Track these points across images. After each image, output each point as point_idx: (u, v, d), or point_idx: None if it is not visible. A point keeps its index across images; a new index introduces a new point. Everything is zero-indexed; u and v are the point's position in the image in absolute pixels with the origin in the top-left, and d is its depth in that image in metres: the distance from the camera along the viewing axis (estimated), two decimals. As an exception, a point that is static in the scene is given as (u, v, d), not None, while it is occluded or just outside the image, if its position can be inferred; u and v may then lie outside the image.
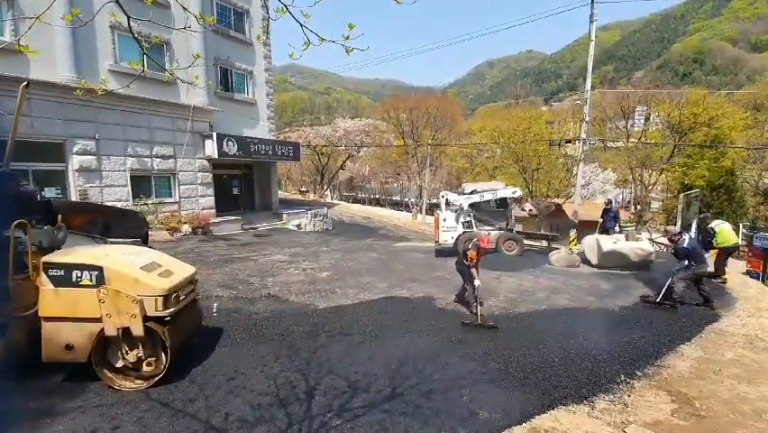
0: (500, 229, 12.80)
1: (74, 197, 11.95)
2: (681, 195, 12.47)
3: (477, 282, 6.96)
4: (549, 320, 6.89)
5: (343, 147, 35.06)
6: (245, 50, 18.45)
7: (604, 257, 11.29)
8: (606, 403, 4.28)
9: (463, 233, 11.96)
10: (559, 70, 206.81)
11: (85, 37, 12.18)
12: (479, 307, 6.81)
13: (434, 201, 40.72)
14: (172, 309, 4.37)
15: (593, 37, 17.53)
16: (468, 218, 12.62)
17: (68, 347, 4.19)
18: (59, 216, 5.02)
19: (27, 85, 4.71)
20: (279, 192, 28.84)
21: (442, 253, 12.79)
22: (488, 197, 12.68)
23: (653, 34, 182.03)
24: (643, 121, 31.03)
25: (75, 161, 12.12)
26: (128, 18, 2.75)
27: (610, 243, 11.31)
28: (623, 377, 4.81)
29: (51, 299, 4.15)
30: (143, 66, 3.01)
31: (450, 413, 4.03)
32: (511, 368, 5.05)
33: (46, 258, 4.22)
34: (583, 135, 19.12)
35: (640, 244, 11.18)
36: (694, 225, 11.52)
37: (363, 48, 2.91)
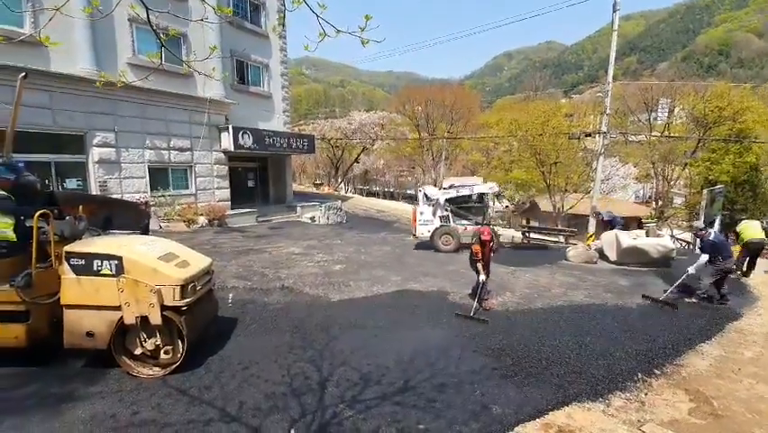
0: (477, 224, 12.77)
1: (94, 188, 12.22)
2: (705, 191, 12.12)
3: (482, 277, 6.94)
4: (565, 316, 6.78)
5: (358, 140, 35.02)
6: (261, 43, 18.49)
7: (623, 253, 11.07)
8: (622, 401, 4.20)
9: (440, 226, 12.36)
10: (580, 62, 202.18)
11: (104, 30, 12.35)
12: (477, 299, 6.88)
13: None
14: (189, 299, 4.44)
15: (616, 27, 17.00)
16: (445, 212, 12.67)
17: (89, 334, 4.30)
18: (80, 208, 5.15)
19: (25, 76, 4.78)
20: (294, 185, 29.00)
21: (420, 246, 12.92)
22: (464, 192, 12.68)
23: (678, 25, 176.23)
24: (666, 114, 30.14)
25: (95, 153, 12.37)
26: (147, 10, 2.76)
27: (630, 238, 11.07)
28: (640, 375, 4.72)
29: (73, 288, 4.25)
30: (161, 59, 3.03)
31: (462, 407, 4.02)
32: (525, 363, 5.00)
33: (68, 247, 4.31)
34: (604, 128, 18.67)
35: (661, 241, 10.92)
36: (717, 222, 11.18)
37: (379, 39, 2.88)
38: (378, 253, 11.85)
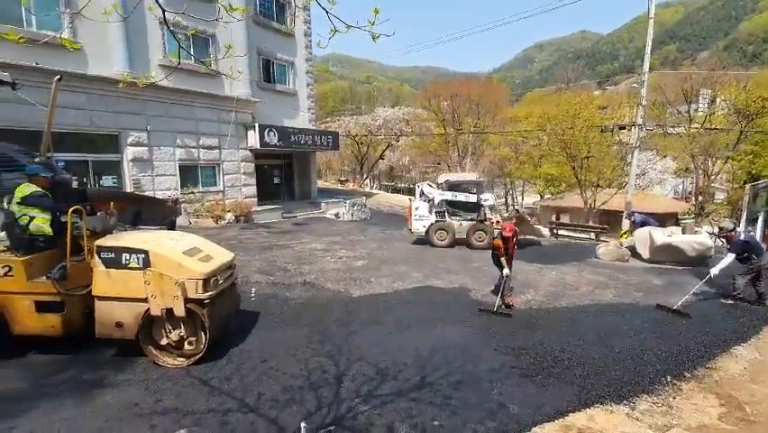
0: (471, 220, 12.68)
1: (129, 186, 12.76)
2: (748, 185, 11.41)
3: (505, 272, 6.86)
4: (591, 316, 6.58)
5: (383, 136, 34.99)
6: (287, 41, 18.75)
7: (656, 251, 10.61)
8: (648, 404, 4.03)
9: (436, 222, 12.53)
10: (615, 51, 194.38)
11: (136, 33, 12.82)
12: (500, 295, 6.83)
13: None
14: (211, 292, 4.56)
15: (652, 15, 16.26)
16: (441, 209, 12.72)
17: (118, 325, 4.49)
18: (111, 204, 5.40)
19: (60, 78, 4.99)
20: (319, 182, 29.31)
21: (418, 241, 13.00)
22: (461, 198, 12.65)
23: (720, 12, 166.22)
24: (707, 105, 28.57)
25: (129, 152, 12.91)
26: (163, 12, 2.84)
27: (664, 236, 10.58)
28: (669, 378, 4.51)
29: (103, 280, 4.45)
30: (179, 58, 3.13)
31: (479, 405, 3.96)
32: (546, 363, 4.88)
33: (99, 241, 4.52)
34: (639, 120, 17.91)
35: (698, 238, 10.39)
36: (761, 219, 10.52)
37: (389, 33, 2.86)
38: (400, 250, 11.85)
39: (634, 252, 11.43)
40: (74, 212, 4.48)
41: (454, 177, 13.95)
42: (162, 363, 4.55)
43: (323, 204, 19.44)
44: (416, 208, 12.71)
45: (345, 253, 10.89)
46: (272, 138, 16.44)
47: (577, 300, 7.46)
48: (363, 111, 48.67)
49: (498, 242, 7.06)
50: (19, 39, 2.65)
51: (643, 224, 12.42)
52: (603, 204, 25.61)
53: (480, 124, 38.18)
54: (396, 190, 45.44)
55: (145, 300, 4.41)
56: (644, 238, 11.11)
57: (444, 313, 6.57)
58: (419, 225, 12.67)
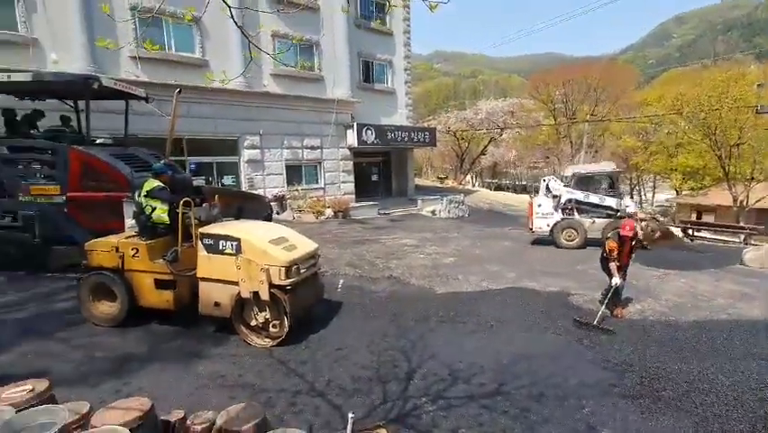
0: (608, 217, 10.78)
1: (244, 185, 14.34)
2: None
3: (615, 281, 5.85)
4: (726, 334, 5.39)
5: (484, 130, 33.58)
6: (385, 41, 19.12)
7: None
8: (798, 453, 3.10)
9: (562, 219, 11.07)
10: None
11: (252, 48, 14.31)
12: (606, 305, 5.91)
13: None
14: (293, 279, 4.82)
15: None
16: (569, 206, 11.18)
17: (216, 304, 5.02)
18: (216, 197, 6.08)
19: (180, 91, 5.68)
20: (418, 179, 29.38)
21: (538, 241, 11.80)
22: (593, 199, 10.96)
23: None
24: None
25: (245, 154, 14.48)
26: (230, 9, 2.98)
27: None
28: (834, 422, 3.42)
29: (205, 264, 5.01)
30: (250, 54, 3.32)
31: (561, 423, 3.50)
32: (657, 385, 4.11)
33: (202, 229, 5.10)
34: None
35: None
36: None
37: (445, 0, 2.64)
38: (495, 248, 11.22)
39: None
40: (184, 204, 5.13)
41: (584, 169, 12.31)
42: (250, 342, 4.95)
43: (419, 201, 19.41)
44: (539, 205, 11.46)
45: (435, 249, 10.69)
46: (369, 136, 16.92)
47: (709, 314, 6.19)
48: (467, 106, 47.53)
49: (613, 244, 5.98)
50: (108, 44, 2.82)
51: None
52: (759, 201, 21.03)
53: (599, 112, 34.31)
54: (499, 188, 43.37)
55: (237, 283, 4.84)
56: (816, 242, 8.76)
57: (536, 317, 5.99)
58: (542, 224, 11.36)
